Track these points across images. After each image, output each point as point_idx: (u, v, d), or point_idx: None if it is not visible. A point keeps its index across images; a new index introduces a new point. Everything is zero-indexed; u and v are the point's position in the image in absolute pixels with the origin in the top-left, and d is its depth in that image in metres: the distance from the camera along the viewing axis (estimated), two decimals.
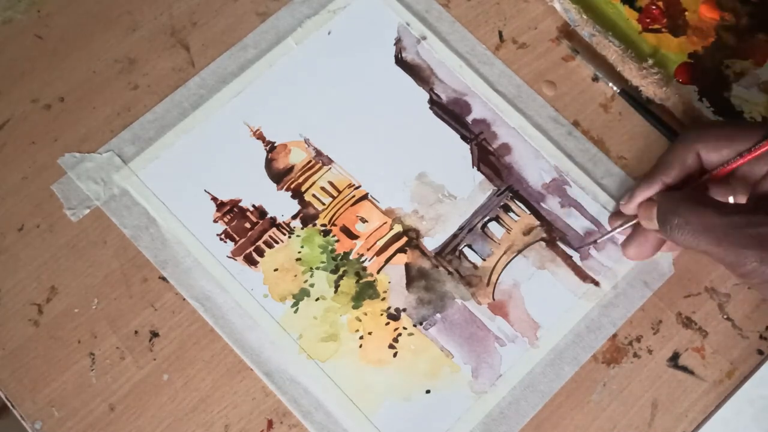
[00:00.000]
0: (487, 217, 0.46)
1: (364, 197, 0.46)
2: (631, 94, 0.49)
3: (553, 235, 0.46)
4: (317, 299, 0.44)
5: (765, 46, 0.50)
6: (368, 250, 0.45)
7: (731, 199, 0.38)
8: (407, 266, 0.45)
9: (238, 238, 0.45)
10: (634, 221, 0.41)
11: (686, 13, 0.51)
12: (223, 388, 0.42)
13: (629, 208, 0.40)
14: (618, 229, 0.43)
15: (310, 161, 0.47)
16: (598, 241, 0.44)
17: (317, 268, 0.45)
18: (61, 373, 0.42)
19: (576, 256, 0.45)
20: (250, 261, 0.45)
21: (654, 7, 0.51)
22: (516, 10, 0.51)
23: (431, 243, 0.45)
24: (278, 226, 0.45)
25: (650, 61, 0.48)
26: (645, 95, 0.48)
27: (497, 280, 0.45)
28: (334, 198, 0.46)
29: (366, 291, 0.44)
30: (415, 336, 0.43)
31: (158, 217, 0.45)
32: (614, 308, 0.44)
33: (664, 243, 0.41)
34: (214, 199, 0.46)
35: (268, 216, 0.46)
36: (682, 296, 0.45)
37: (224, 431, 0.42)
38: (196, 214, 0.45)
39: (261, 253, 0.45)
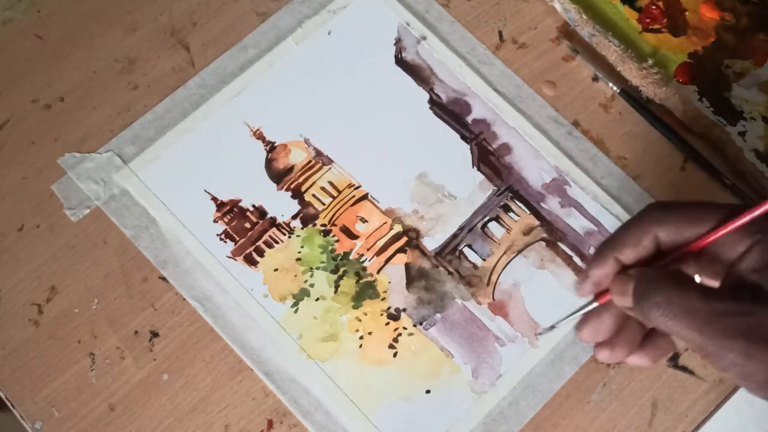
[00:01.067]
0: (487, 217, 0.46)
1: (364, 197, 0.46)
2: (631, 94, 0.49)
3: (553, 235, 0.46)
4: (317, 299, 0.44)
5: (765, 46, 0.50)
6: (368, 250, 0.45)
7: (697, 278, 0.34)
8: (407, 266, 0.45)
9: (238, 238, 0.45)
10: (593, 305, 0.36)
11: (686, 13, 0.51)
12: (223, 388, 0.42)
13: (585, 290, 0.35)
14: (579, 313, 0.37)
15: (310, 161, 0.47)
16: (556, 325, 0.39)
17: (317, 268, 0.45)
18: (61, 373, 0.42)
19: (576, 256, 0.45)
20: (250, 261, 0.45)
21: (654, 7, 0.51)
22: (516, 10, 0.51)
23: (431, 243, 0.45)
24: (278, 226, 0.45)
25: (650, 61, 0.48)
26: (645, 95, 0.48)
27: (497, 280, 0.45)
28: (334, 198, 0.46)
29: (366, 291, 0.44)
30: (415, 336, 0.43)
31: (158, 217, 0.45)
32: None
33: (623, 327, 0.35)
34: (214, 199, 0.46)
35: (268, 216, 0.46)
36: None
37: (224, 431, 0.42)
38: (196, 214, 0.45)
39: (261, 253, 0.45)
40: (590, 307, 0.36)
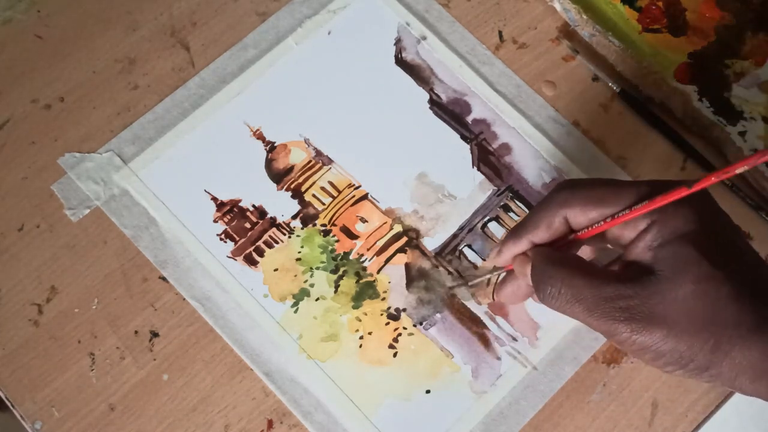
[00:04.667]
0: (487, 217, 0.46)
1: (364, 197, 0.46)
2: (631, 94, 0.49)
3: None
4: (317, 299, 0.44)
5: (765, 46, 0.50)
6: (368, 250, 0.45)
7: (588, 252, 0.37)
8: (407, 266, 0.45)
9: (238, 238, 0.45)
10: (508, 268, 0.39)
11: (686, 13, 0.51)
12: (223, 388, 0.42)
13: (500, 262, 0.38)
14: (494, 274, 0.41)
15: (310, 161, 0.47)
16: (470, 283, 0.43)
17: (317, 268, 0.45)
18: (61, 373, 0.42)
19: None
20: (250, 261, 0.45)
21: (654, 6, 0.51)
22: (516, 10, 0.51)
23: (431, 243, 0.45)
24: (278, 226, 0.45)
25: (650, 61, 0.48)
26: (645, 95, 0.48)
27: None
28: (334, 198, 0.46)
29: (366, 291, 0.44)
30: (415, 336, 0.43)
31: (158, 217, 0.45)
32: None
33: None
34: (214, 199, 0.46)
35: (268, 216, 0.46)
36: None
37: (224, 431, 0.42)
38: (196, 214, 0.45)
39: (261, 253, 0.45)
40: (502, 271, 0.39)
